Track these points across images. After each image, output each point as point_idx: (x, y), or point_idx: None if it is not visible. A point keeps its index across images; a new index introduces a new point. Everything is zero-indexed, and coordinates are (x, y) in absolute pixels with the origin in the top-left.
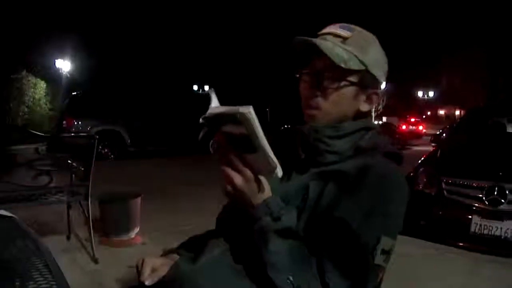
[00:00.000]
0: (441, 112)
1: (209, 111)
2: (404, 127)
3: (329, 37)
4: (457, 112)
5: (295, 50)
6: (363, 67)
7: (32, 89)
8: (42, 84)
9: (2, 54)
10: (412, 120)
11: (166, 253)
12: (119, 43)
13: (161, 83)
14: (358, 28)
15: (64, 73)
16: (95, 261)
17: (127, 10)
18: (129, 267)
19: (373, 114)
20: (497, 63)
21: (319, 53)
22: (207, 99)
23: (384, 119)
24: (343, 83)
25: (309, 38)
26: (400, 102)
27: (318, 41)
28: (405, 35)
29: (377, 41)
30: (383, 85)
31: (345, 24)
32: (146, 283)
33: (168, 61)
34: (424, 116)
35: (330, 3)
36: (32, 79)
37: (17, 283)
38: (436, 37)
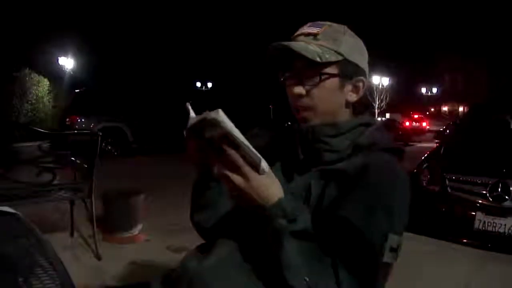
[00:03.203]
0: (445, 108)
1: (188, 122)
2: (407, 123)
3: (300, 37)
4: (461, 109)
5: (274, 56)
6: (340, 57)
7: (35, 87)
8: (45, 82)
9: (5, 52)
10: (416, 116)
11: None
12: (122, 41)
13: (164, 80)
14: (327, 23)
15: (67, 70)
16: (98, 257)
17: (130, 8)
18: (132, 263)
19: (376, 110)
20: (499, 59)
21: (294, 54)
22: (207, 96)
23: (388, 115)
24: (323, 77)
25: (281, 42)
26: (404, 99)
27: (290, 43)
28: (409, 33)
29: (349, 30)
30: (375, 78)
31: (315, 22)
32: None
33: (170, 58)
34: (427, 113)
35: (338, 2)
36: (35, 76)
37: (21, 280)
38: (440, 35)
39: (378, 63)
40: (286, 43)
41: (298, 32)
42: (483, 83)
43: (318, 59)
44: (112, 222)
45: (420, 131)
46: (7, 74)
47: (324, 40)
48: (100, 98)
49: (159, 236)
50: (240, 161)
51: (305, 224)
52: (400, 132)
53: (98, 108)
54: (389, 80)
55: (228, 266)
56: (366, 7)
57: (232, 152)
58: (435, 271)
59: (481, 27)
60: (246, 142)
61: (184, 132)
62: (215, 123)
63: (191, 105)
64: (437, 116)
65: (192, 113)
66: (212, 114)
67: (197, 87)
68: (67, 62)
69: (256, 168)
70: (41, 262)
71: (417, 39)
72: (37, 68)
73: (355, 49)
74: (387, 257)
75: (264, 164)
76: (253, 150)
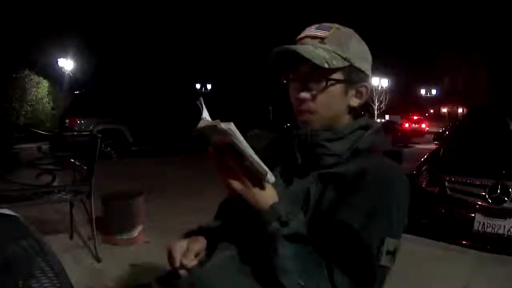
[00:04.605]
0: (444, 110)
1: (199, 124)
2: (407, 125)
3: (307, 40)
4: (460, 110)
5: (278, 58)
6: (347, 63)
7: (35, 88)
8: (44, 83)
9: (4, 53)
10: (415, 118)
11: (186, 235)
12: (122, 42)
13: (163, 82)
14: (335, 26)
15: (66, 72)
16: (98, 260)
17: (129, 9)
18: (132, 265)
19: (375, 111)
20: (498, 61)
21: (301, 58)
22: (207, 98)
23: (387, 117)
24: (330, 82)
25: (288, 46)
26: (403, 100)
27: (297, 47)
28: (409, 34)
29: (356, 35)
30: (373, 80)
31: (322, 24)
32: (188, 265)
33: (170, 60)
34: (427, 114)
35: (337, 2)
36: (35, 78)
37: (20, 282)
38: (439, 35)
39: (377, 64)
40: (293, 47)
41: (304, 34)
42: (483, 84)
43: (326, 65)
44: (112, 223)
45: (420, 133)
46: (7, 75)
47: (331, 45)
48: (100, 99)
49: (158, 238)
50: (239, 169)
51: (297, 227)
52: (400, 134)
53: (97, 109)
54: (388, 82)
55: (229, 268)
56: (365, 8)
57: (232, 162)
58: (434, 272)
59: (480, 28)
60: (254, 155)
61: (193, 131)
62: (225, 133)
63: (192, 107)
64: (437, 118)
65: (204, 111)
66: (224, 125)
67: (196, 89)
68: (66, 64)
69: (262, 179)
70: (41, 264)
71: (417, 40)
72: (36, 70)
73: (361, 54)
74: (383, 260)
75: (270, 176)
76: (260, 162)
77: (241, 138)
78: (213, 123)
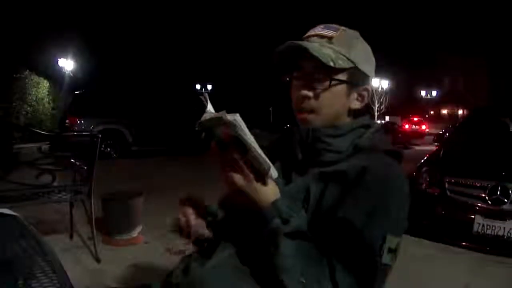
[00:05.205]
0: (444, 111)
1: (203, 116)
2: (407, 126)
3: (314, 38)
4: (460, 112)
5: (282, 55)
6: (351, 65)
7: (35, 88)
8: (45, 83)
9: (4, 53)
10: (415, 119)
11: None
12: (122, 43)
13: (164, 83)
14: (342, 27)
15: (67, 72)
16: (98, 260)
17: (130, 9)
18: (132, 265)
19: (375, 113)
20: (499, 62)
21: (306, 55)
22: (201, 102)
23: (387, 118)
24: (333, 82)
25: (296, 42)
26: (403, 102)
27: (304, 43)
28: (409, 36)
29: (361, 38)
30: (374, 81)
31: (329, 25)
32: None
33: (171, 61)
34: (427, 116)
35: (337, 3)
36: (35, 78)
37: (20, 282)
38: (440, 37)
39: (377, 65)
40: (301, 43)
41: (311, 33)
42: (483, 85)
43: (331, 64)
44: (112, 224)
45: (420, 134)
46: (7, 75)
47: (338, 45)
48: (100, 100)
49: (158, 238)
50: (242, 163)
51: (299, 225)
52: (400, 135)
53: (97, 109)
54: (388, 83)
55: (228, 269)
56: (365, 10)
57: (236, 155)
58: (434, 274)
59: (481, 29)
60: (258, 149)
61: (197, 124)
62: (230, 125)
63: (192, 107)
64: (437, 119)
65: (209, 105)
66: (229, 117)
67: (197, 89)
68: (67, 64)
69: (264, 174)
70: (41, 264)
71: (417, 42)
72: (37, 70)
73: (365, 57)
74: (385, 258)
75: (272, 171)
76: (264, 156)
77: (246, 130)
78: (218, 115)
